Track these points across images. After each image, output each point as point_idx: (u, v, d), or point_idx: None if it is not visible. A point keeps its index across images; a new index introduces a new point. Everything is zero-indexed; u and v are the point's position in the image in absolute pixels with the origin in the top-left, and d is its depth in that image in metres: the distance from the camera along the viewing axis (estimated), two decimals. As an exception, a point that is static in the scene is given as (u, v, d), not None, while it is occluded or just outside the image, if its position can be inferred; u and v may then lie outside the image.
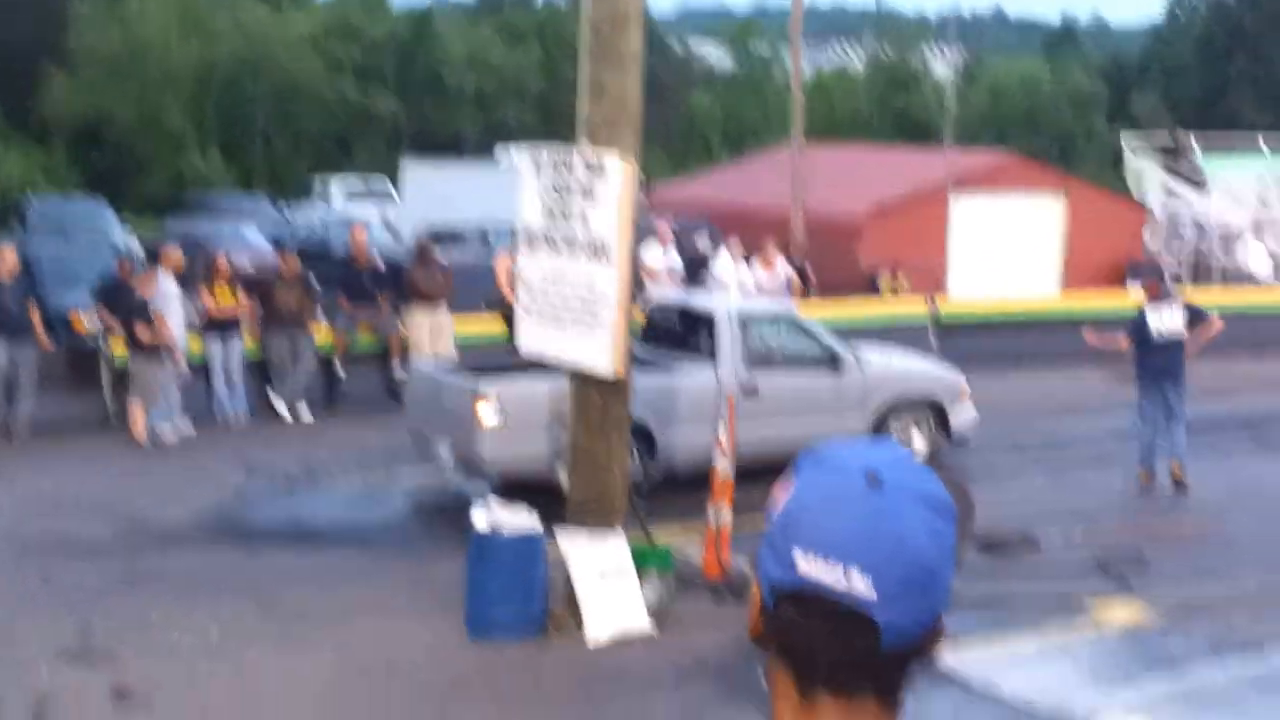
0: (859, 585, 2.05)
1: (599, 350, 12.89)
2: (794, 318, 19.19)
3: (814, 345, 18.57)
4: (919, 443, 18.74)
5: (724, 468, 14.03)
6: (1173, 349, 17.78)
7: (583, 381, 13.29)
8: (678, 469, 16.93)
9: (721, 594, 13.67)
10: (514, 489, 15.34)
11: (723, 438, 14.14)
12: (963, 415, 19.08)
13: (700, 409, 16.49)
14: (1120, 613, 13.55)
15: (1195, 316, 17.97)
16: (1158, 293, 18.48)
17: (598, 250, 12.86)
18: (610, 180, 12.74)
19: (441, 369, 18.18)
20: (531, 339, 13.91)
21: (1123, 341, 18.24)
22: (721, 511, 13.91)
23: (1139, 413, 18.03)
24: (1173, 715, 11.29)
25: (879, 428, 18.47)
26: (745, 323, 18.32)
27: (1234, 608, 13.63)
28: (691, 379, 17.55)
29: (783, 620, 2.12)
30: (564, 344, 13.29)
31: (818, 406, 17.84)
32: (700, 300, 20.01)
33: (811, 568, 2.07)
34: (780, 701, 2.18)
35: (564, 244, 13.19)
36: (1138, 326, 17.94)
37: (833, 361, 18.42)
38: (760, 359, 18.14)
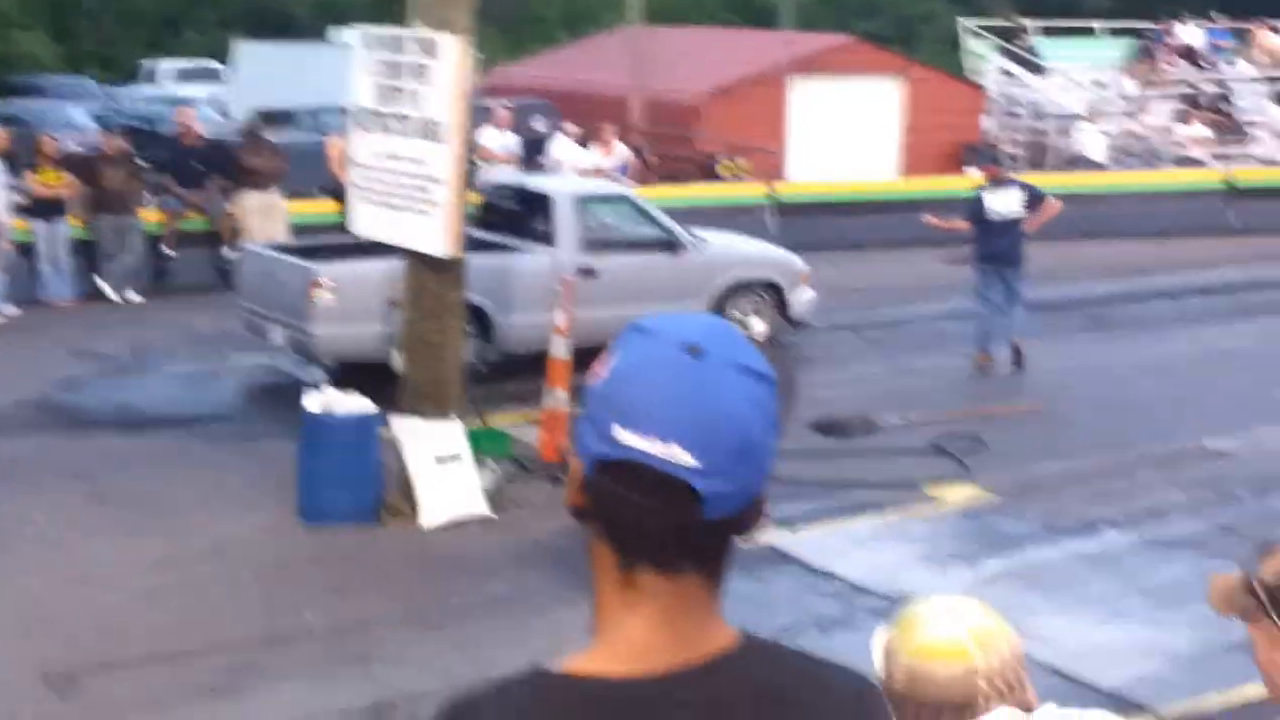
0: (680, 455, 2.00)
1: (432, 232, 12.68)
2: (632, 200, 19.06)
3: (652, 228, 18.44)
4: (758, 325, 18.69)
5: (560, 351, 13.88)
6: (1011, 231, 17.82)
7: (416, 264, 13.07)
8: (516, 352, 16.74)
9: (559, 477, 13.52)
10: (351, 375, 15.09)
11: (559, 321, 13.98)
12: (802, 298, 19.02)
13: (538, 292, 16.31)
14: (957, 494, 13.63)
15: (1033, 198, 18.02)
16: (996, 175, 18.53)
17: (430, 130, 12.61)
18: (443, 59, 12.48)
19: (275, 250, 17.85)
20: (364, 221, 13.69)
21: (961, 223, 18.27)
22: (558, 395, 13.78)
23: (977, 295, 18.08)
24: (1007, 593, 11.31)
25: (718, 310, 18.33)
26: (583, 205, 18.14)
27: (1069, 488, 13.77)
28: (529, 262, 17.38)
29: (603, 492, 2.07)
30: (397, 226, 13.08)
31: (656, 289, 17.68)
32: (538, 182, 19.80)
33: (631, 439, 2.02)
34: (602, 578, 2.13)
35: (396, 124, 12.94)
36: (975, 208, 17.96)
37: (671, 244, 18.29)
38: (598, 241, 17.99)
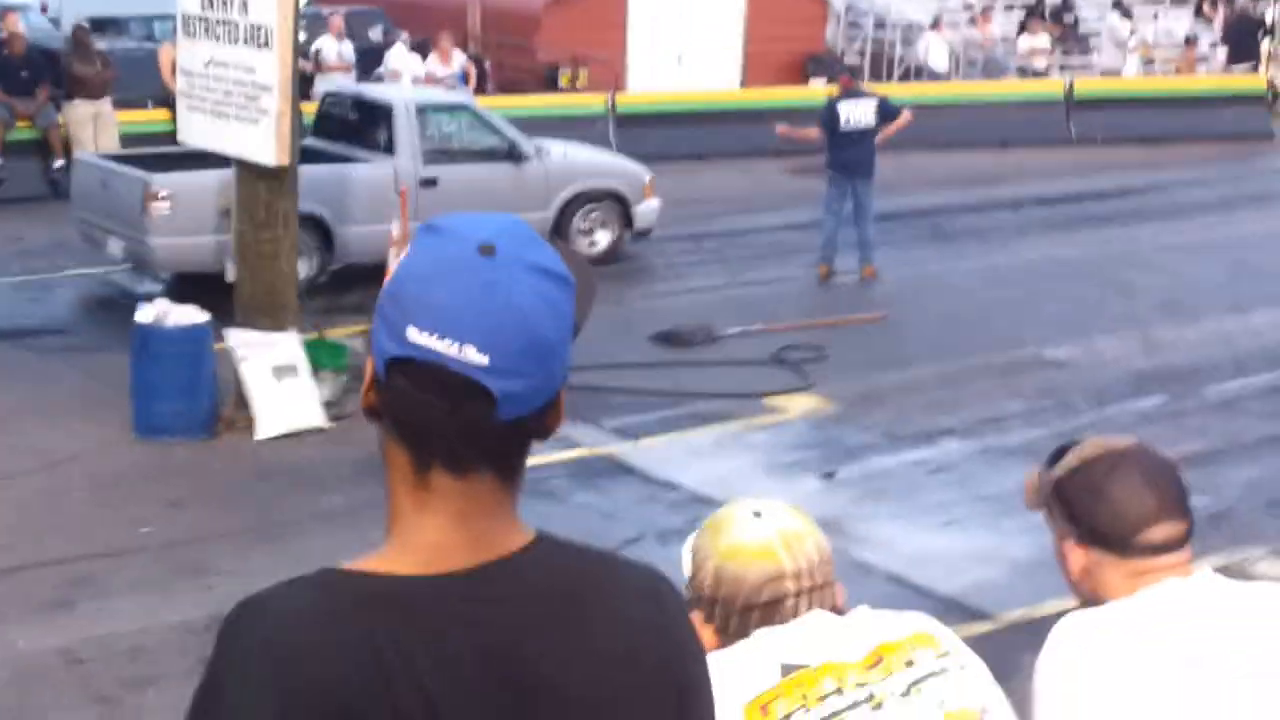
0: (471, 354, 2.01)
1: (262, 140, 12.47)
2: (473, 109, 18.85)
3: (494, 137, 18.26)
4: (602, 235, 18.63)
5: (396, 262, 13.67)
6: (863, 141, 17.86)
7: (247, 174, 12.85)
8: (356, 262, 16.53)
9: (399, 389, 13.39)
10: (189, 288, 14.84)
11: (394, 231, 13.82)
12: (646, 208, 18.94)
13: (378, 202, 16.11)
14: (797, 404, 13.66)
15: (886, 110, 18.07)
16: (850, 85, 18.57)
17: (258, 36, 12.34)
18: (269, -39, 12.20)
19: (109, 160, 17.47)
20: (194, 130, 13.46)
21: (813, 132, 18.28)
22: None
23: (826, 205, 18.08)
24: (847, 501, 11.43)
25: (562, 220, 18.26)
26: (423, 114, 17.93)
27: (909, 397, 13.85)
28: (369, 171, 17.17)
29: (396, 392, 2.06)
30: (226, 135, 12.84)
31: (499, 199, 17.49)
32: (377, 91, 19.55)
33: (422, 338, 2.02)
34: (395, 479, 2.13)
35: (223, 30, 12.65)
36: (828, 118, 17.97)
37: (513, 154, 18.13)
38: (439, 151, 17.82)
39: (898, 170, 19.78)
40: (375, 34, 28.85)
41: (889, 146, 18.40)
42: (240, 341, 12.61)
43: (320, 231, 16.51)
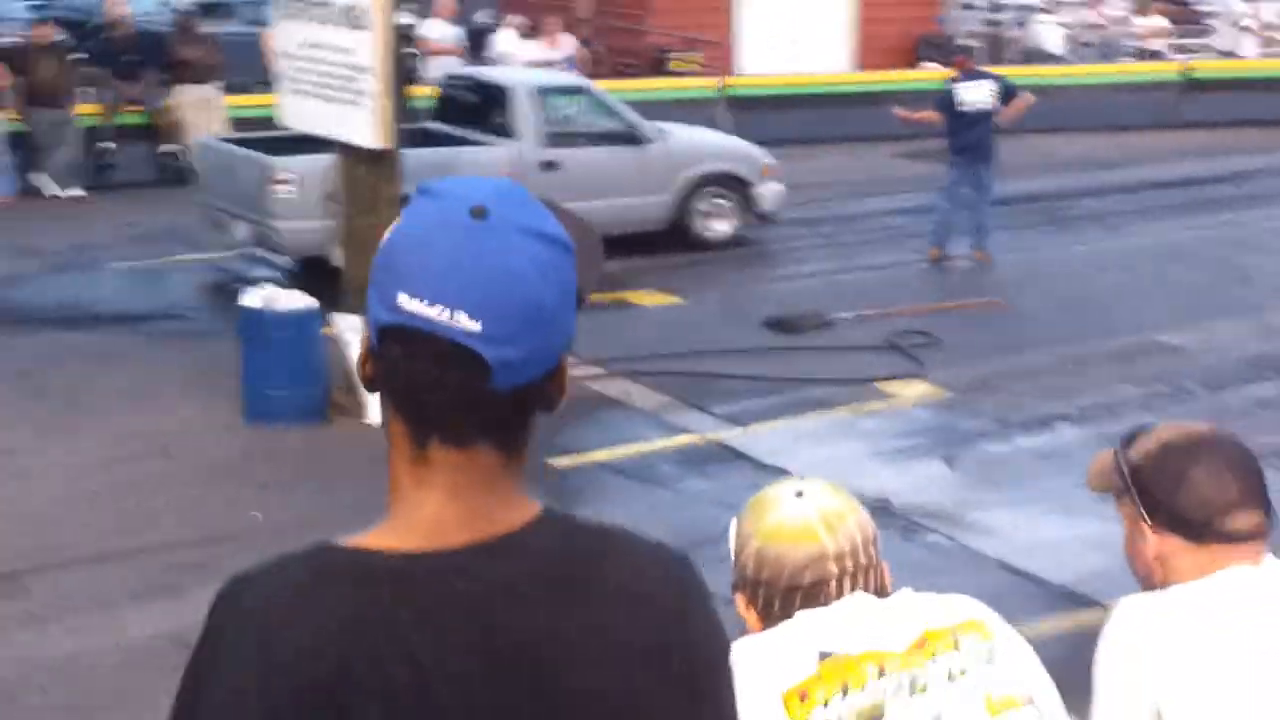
0: (464, 321, 1.95)
1: (361, 123, 12.38)
2: (592, 92, 18.82)
3: (614, 120, 18.24)
4: (725, 219, 18.57)
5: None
6: (982, 123, 17.66)
7: (349, 158, 12.81)
8: None
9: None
10: (296, 275, 14.87)
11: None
12: (766, 191, 18.81)
13: None
14: (910, 390, 13.50)
15: (1006, 90, 17.87)
16: (967, 66, 18.39)
17: (354, 17, 12.25)
18: (364, -58, 12.12)
19: (232, 144, 17.52)
20: (293, 113, 13.44)
21: (931, 115, 18.10)
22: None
23: (945, 189, 17.93)
24: (958, 488, 11.29)
25: (684, 203, 18.21)
26: (543, 96, 17.93)
27: (1022, 383, 13.66)
28: (490, 155, 17.16)
29: (389, 361, 2.01)
30: (326, 117, 12.78)
31: (619, 182, 17.62)
32: (496, 74, 19.56)
33: (413, 304, 1.96)
34: (394, 451, 2.08)
35: (319, 11, 12.59)
36: (946, 100, 17.79)
37: (633, 137, 18.10)
38: (559, 134, 17.80)
39: (1012, 154, 19.56)
40: (483, 17, 28.82)
41: (1004, 129, 18.17)
42: (347, 326, 12.59)
43: None
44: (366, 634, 1.97)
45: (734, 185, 18.66)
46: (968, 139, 17.70)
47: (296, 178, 15.69)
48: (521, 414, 2.06)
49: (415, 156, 16.32)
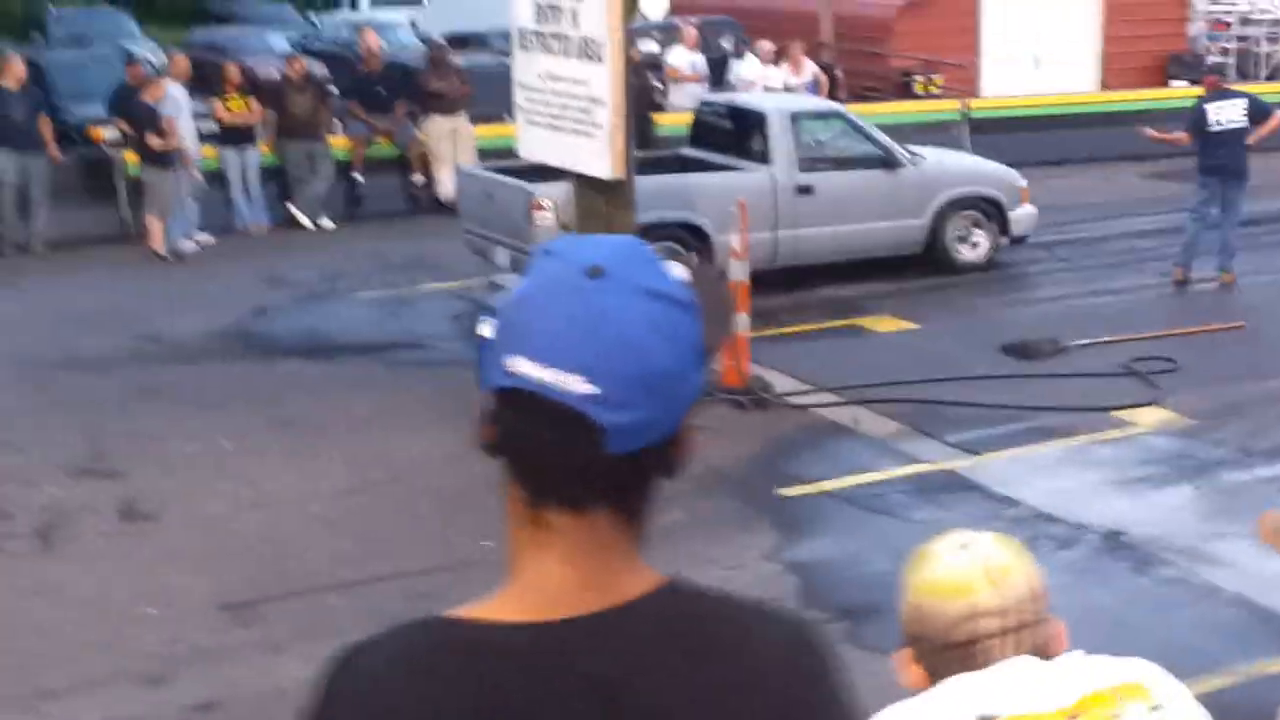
0: (576, 384, 1.91)
1: (596, 154, 12.57)
2: (846, 116, 18.90)
3: (867, 144, 18.30)
4: (979, 242, 18.53)
5: (740, 273, 13.72)
6: (1233, 142, 17.34)
7: (585, 188, 12.99)
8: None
9: (741, 402, 13.45)
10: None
11: (735, 244, 13.85)
12: (1022, 214, 18.75)
13: (755, 210, 16.30)
14: (1148, 417, 13.26)
15: (1257, 110, 17.53)
16: (1217, 85, 18.10)
17: (590, 50, 12.47)
18: (600, -25, 12.31)
19: (493, 172, 17.82)
20: (531, 144, 13.64)
21: (1182, 135, 17.82)
22: (739, 319, 13.61)
23: (1194, 209, 17.63)
24: (1197, 519, 11.07)
25: (938, 226, 18.24)
26: (797, 122, 18.09)
27: (1267, 410, 13.34)
28: (746, 180, 17.32)
29: (505, 425, 1.98)
30: (562, 148, 12.97)
31: (873, 206, 17.74)
32: (751, 99, 19.78)
33: (527, 367, 1.93)
34: (513, 517, 2.05)
35: (556, 44, 12.80)
36: (1197, 119, 17.50)
37: (887, 161, 18.14)
38: (813, 159, 17.92)
39: (1262, 173, 19.07)
40: (726, 43, 28.96)
41: (1255, 149, 17.79)
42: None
43: (701, 240, 16.71)
44: (476, 714, 1.96)
45: (989, 209, 18.58)
46: (1217, 158, 17.38)
47: (554, 204, 15.92)
48: (641, 479, 2.02)
49: (669, 182, 16.77)
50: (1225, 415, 13.22)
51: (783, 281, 17.10)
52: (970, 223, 18.52)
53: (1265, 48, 32.37)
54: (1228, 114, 17.38)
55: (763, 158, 17.69)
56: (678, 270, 2.03)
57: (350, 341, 16.19)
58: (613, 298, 1.93)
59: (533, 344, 1.93)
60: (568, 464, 1.96)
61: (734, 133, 18.36)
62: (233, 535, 11.06)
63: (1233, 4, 34.55)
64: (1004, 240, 18.72)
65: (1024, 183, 18.84)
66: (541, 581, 2.03)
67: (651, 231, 16.23)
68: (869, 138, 18.33)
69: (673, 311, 1.96)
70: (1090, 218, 20.95)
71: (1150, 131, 18.53)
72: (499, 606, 2.05)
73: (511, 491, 2.04)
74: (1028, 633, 3.00)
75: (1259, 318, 16.21)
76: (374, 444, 12.84)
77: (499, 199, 16.64)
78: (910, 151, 18.44)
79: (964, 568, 3.03)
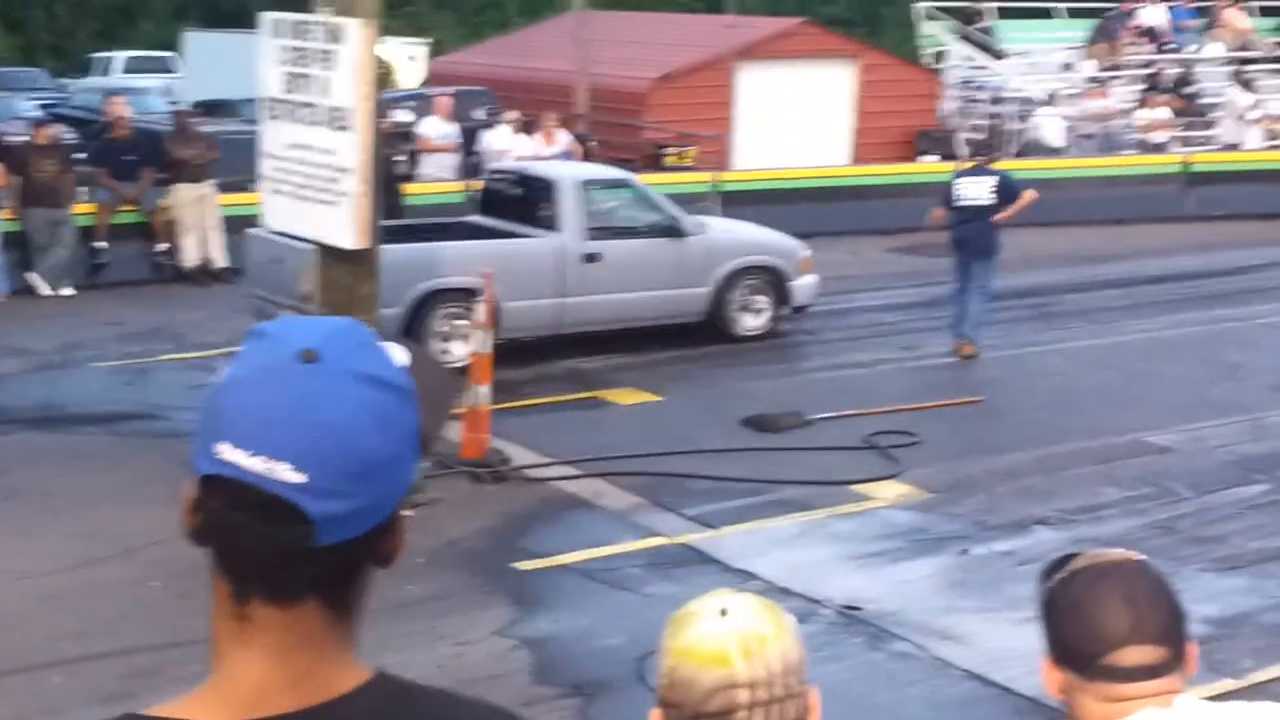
0: (286, 473, 1.82)
1: (340, 223, 12.49)
2: (634, 185, 19.12)
3: (655, 213, 18.48)
4: (762, 310, 18.78)
5: (482, 345, 13.66)
6: (978, 219, 17.65)
7: (326, 256, 12.86)
8: (517, 337, 17.05)
9: (479, 475, 13.41)
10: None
11: (479, 314, 13.81)
12: (804, 284, 19.03)
13: (541, 278, 16.77)
14: (887, 491, 13.40)
15: (1007, 188, 17.84)
16: (980, 163, 18.72)
17: (338, 119, 12.40)
18: (349, 45, 12.27)
19: (283, 236, 17.57)
20: (277, 214, 13.52)
21: (937, 213, 18.10)
22: (479, 391, 13.56)
23: (952, 282, 18.02)
24: (931, 593, 11.20)
25: (721, 295, 18.46)
26: (586, 189, 18.23)
27: (1003, 484, 13.55)
28: (533, 246, 17.58)
29: (211, 513, 1.87)
30: (307, 218, 12.87)
31: (660, 274, 17.98)
32: (540, 167, 19.98)
33: (233, 454, 1.84)
34: (217, 609, 1.94)
35: (305, 113, 12.72)
36: (945, 195, 17.90)
37: (674, 229, 18.33)
38: (601, 227, 18.06)
39: (1007, 248, 19.48)
40: (480, 113, 29.03)
41: (1003, 225, 18.09)
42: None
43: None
44: None
45: (771, 278, 18.77)
46: (963, 233, 17.71)
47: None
48: (351, 569, 1.94)
49: (460, 249, 17.01)
50: (962, 489, 13.42)
51: (524, 353, 17.12)
52: (752, 291, 18.71)
53: (1015, 125, 33.12)
54: (974, 190, 17.71)
55: (551, 224, 17.79)
56: (397, 354, 1.97)
57: (83, 412, 15.85)
58: (324, 382, 1.86)
59: (240, 429, 1.84)
60: (275, 555, 1.87)
61: (524, 200, 18.47)
62: (-49, 609, 10.74)
63: (984, 82, 35.41)
64: (785, 309, 18.96)
65: (807, 253, 19.18)
66: (245, 678, 1.92)
67: (436, 297, 16.41)
68: (656, 206, 18.58)
69: (388, 397, 1.89)
70: (836, 290, 21.13)
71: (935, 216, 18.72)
72: (198, 704, 1.94)
73: (216, 582, 1.93)
74: (778, 707, 2.91)
75: (998, 392, 16.52)
76: (104, 517, 12.62)
77: (290, 264, 16.38)
78: (698, 221, 18.72)
79: (720, 635, 2.92)
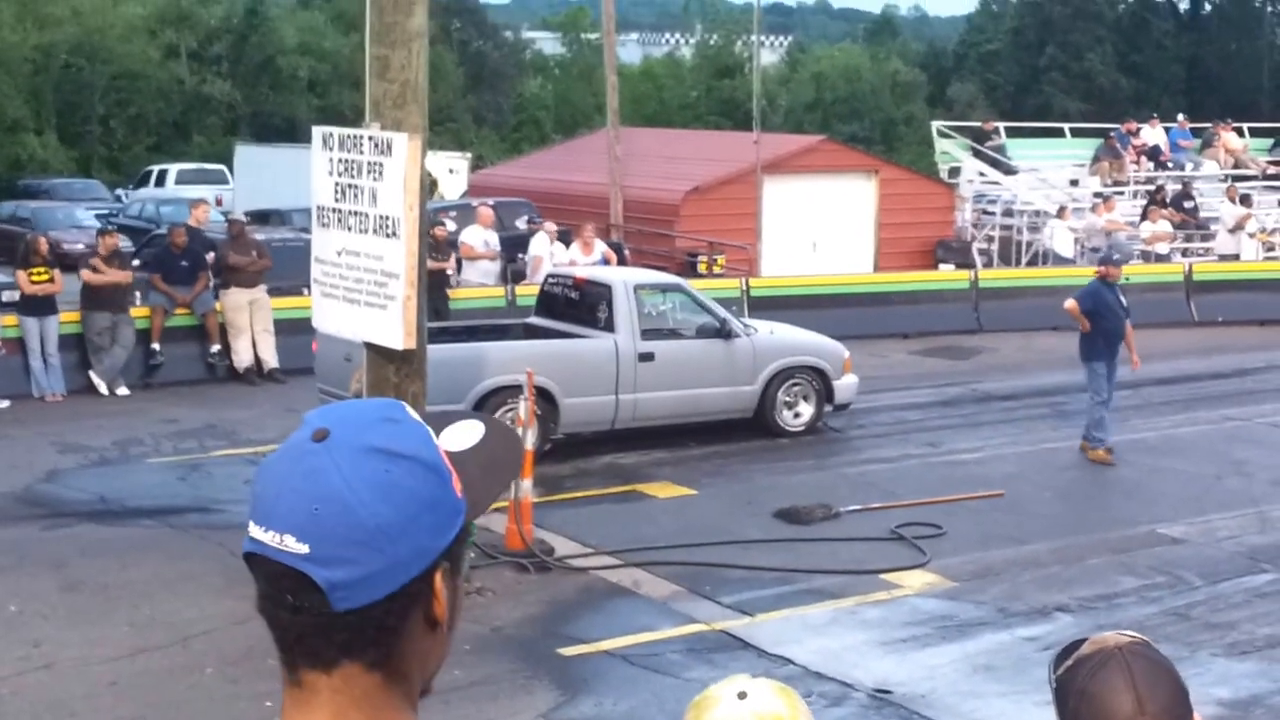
0: (291, 544, 1.91)
1: (389, 326, 12.96)
2: (685, 290, 19.94)
3: (705, 316, 19.27)
4: (806, 409, 19.50)
5: (526, 441, 14.11)
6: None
7: (376, 356, 13.37)
8: (576, 431, 18.13)
9: (523, 565, 13.85)
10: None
11: (521, 412, 14.30)
12: (845, 383, 19.76)
13: (598, 375, 17.53)
14: (914, 580, 13.87)
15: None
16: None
17: (386, 227, 12.94)
18: (397, 158, 12.78)
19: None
20: (327, 317, 13.96)
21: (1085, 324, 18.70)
22: (523, 484, 14.04)
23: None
24: (958, 678, 11.57)
25: (767, 394, 19.22)
26: (639, 293, 19.02)
27: (1024, 573, 14.03)
28: (590, 346, 18.38)
29: (257, 589, 2.00)
30: (357, 321, 13.36)
31: (709, 373, 18.80)
32: (597, 272, 20.68)
33: (255, 531, 1.95)
34: (283, 682, 2.04)
35: (355, 221, 13.25)
36: (1097, 300, 18.57)
37: (723, 331, 19.08)
38: (655, 328, 18.90)
39: (1022, 350, 20.05)
40: (521, 223, 29.71)
41: (1019, 326, 18.56)
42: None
43: (548, 403, 17.39)
44: None
45: (816, 378, 19.51)
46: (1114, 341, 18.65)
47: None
48: (390, 633, 1.98)
49: (520, 349, 17.96)
50: (985, 578, 13.91)
51: (564, 449, 17.72)
52: (798, 390, 19.44)
53: (1026, 236, 33.94)
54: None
55: (607, 325, 18.51)
56: (460, 431, 2.09)
57: (140, 506, 16.24)
58: (329, 457, 1.94)
59: (260, 507, 1.95)
60: (301, 622, 1.96)
61: (581, 303, 19.19)
62: (16, 697, 11.07)
63: (997, 195, 36.25)
64: (828, 407, 19.67)
65: (847, 354, 19.94)
66: None
67: (498, 395, 16.98)
68: (706, 309, 19.35)
69: (399, 468, 1.95)
70: (861, 390, 21.70)
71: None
72: None
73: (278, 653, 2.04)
74: None
75: (1017, 486, 17.02)
76: (161, 606, 12.93)
77: (358, 361, 16.95)
78: (744, 323, 19.53)
79: (740, 718, 2.97)
